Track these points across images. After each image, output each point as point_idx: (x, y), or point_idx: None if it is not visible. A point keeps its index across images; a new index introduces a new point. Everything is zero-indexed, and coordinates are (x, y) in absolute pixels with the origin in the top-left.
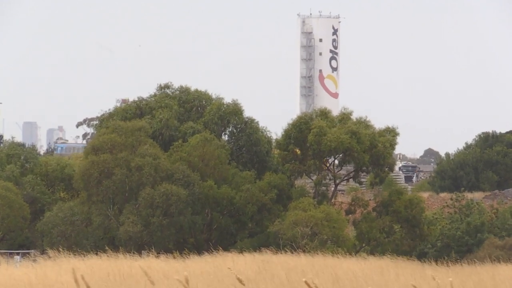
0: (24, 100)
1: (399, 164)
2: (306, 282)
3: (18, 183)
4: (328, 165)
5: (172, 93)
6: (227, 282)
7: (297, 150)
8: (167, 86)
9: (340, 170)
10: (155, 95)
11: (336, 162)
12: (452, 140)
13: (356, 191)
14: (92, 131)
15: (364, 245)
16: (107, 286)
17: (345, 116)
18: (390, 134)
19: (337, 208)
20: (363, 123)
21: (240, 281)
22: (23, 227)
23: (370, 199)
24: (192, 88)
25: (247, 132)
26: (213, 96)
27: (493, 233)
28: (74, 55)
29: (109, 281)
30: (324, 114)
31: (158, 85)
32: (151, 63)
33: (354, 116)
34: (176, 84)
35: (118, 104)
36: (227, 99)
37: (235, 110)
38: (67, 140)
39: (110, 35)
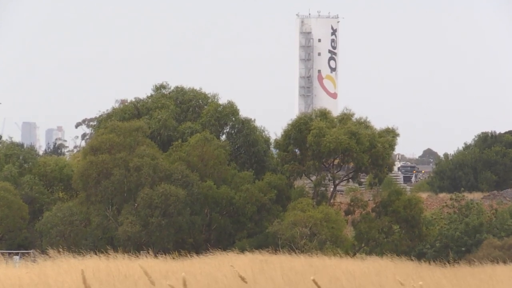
0: (23, 100)
1: (398, 164)
2: (314, 281)
3: (16, 183)
4: (327, 165)
5: (169, 93)
6: (226, 282)
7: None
8: (163, 86)
9: (339, 170)
10: (151, 95)
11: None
12: (451, 140)
13: (355, 192)
14: (91, 131)
15: (363, 245)
16: (106, 287)
17: (345, 117)
18: (390, 135)
19: (336, 209)
20: (363, 124)
21: (243, 279)
22: (22, 227)
23: (369, 200)
24: (188, 87)
25: (244, 133)
26: (209, 95)
27: (492, 233)
28: (74, 55)
29: (108, 281)
30: (323, 114)
31: (154, 86)
32: (151, 63)
33: (354, 117)
34: (173, 84)
35: (117, 105)
36: (225, 99)
37: (231, 111)
38: (66, 140)
39: (109, 35)
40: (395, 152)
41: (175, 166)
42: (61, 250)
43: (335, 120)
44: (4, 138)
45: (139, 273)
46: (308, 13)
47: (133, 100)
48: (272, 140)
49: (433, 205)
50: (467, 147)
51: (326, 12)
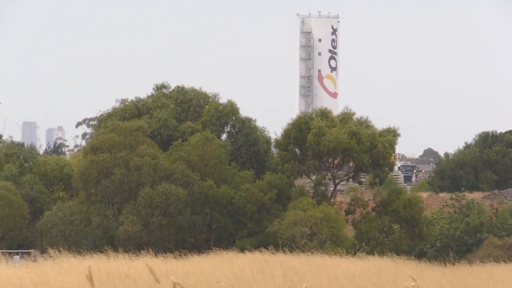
0: (23, 100)
1: (398, 164)
2: None
3: (17, 183)
4: (328, 165)
5: (169, 93)
6: (226, 282)
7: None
8: (163, 86)
9: (339, 170)
10: (152, 95)
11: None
12: (451, 140)
13: (356, 191)
14: (91, 131)
15: (363, 245)
16: (106, 287)
17: (346, 116)
18: (391, 135)
19: (336, 208)
20: (364, 124)
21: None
22: (22, 226)
23: (369, 199)
24: (188, 87)
25: (244, 132)
26: (209, 94)
27: (493, 233)
28: (74, 55)
29: (108, 281)
30: (324, 114)
31: (155, 85)
32: (151, 63)
33: (355, 117)
34: (174, 84)
35: (117, 104)
36: (226, 98)
37: (231, 110)
38: (66, 140)
39: (109, 35)
40: (396, 152)
41: (176, 165)
42: (61, 249)
43: (336, 119)
44: (4, 138)
45: (139, 272)
46: (309, 13)
47: (134, 99)
48: (272, 140)
49: (433, 205)
50: (467, 146)
51: (326, 12)
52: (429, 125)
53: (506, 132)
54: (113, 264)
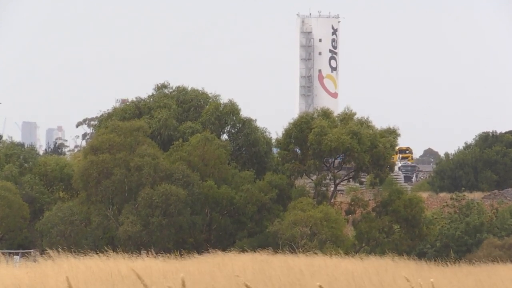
0: (23, 100)
1: (398, 164)
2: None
3: (17, 183)
4: (328, 165)
5: (170, 93)
6: (225, 282)
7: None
8: (164, 86)
9: (340, 170)
10: (152, 95)
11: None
12: (451, 140)
13: (356, 191)
14: (91, 131)
15: (363, 245)
16: (106, 286)
17: (347, 116)
18: (391, 135)
19: (337, 208)
20: (365, 124)
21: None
22: (22, 227)
23: (370, 199)
24: (189, 87)
25: (244, 132)
26: (210, 95)
27: (493, 233)
28: (74, 55)
29: (108, 280)
30: (326, 114)
31: (156, 85)
32: (151, 63)
33: (356, 117)
34: (174, 84)
35: (118, 104)
36: (226, 98)
37: (232, 110)
38: (66, 140)
39: (109, 35)
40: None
41: (176, 166)
42: (61, 250)
43: (337, 119)
44: (4, 138)
45: (139, 272)
46: (309, 13)
47: (134, 99)
48: (273, 140)
49: (433, 205)
50: (467, 146)
51: (326, 12)
52: (429, 125)
53: (506, 132)
54: (113, 264)
